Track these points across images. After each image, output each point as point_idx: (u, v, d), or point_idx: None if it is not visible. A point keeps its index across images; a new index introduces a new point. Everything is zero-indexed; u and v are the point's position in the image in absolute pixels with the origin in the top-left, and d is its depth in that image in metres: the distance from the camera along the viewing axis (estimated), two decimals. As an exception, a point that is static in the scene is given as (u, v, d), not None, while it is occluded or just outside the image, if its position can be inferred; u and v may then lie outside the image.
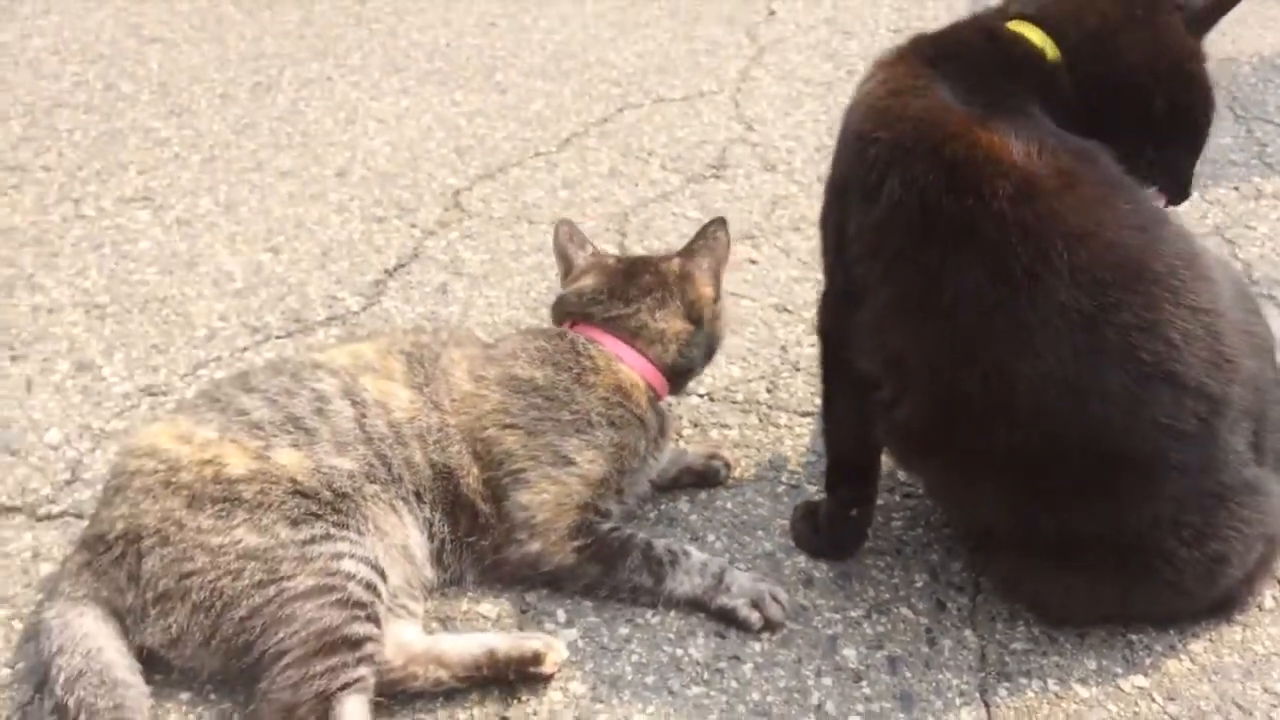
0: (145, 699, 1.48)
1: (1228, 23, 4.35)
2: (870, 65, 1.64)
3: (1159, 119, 1.58)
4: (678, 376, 1.93)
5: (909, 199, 1.46)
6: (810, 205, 2.85)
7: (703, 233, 1.98)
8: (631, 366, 1.85)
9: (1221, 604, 1.67)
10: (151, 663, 1.53)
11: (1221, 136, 3.29)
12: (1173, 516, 1.50)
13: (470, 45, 3.93)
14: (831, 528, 1.77)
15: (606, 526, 1.73)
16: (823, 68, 3.81)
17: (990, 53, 1.61)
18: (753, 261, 2.65)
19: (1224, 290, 1.54)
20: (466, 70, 3.72)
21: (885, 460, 1.78)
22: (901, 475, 1.92)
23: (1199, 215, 2.84)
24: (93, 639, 1.49)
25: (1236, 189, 2.98)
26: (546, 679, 1.57)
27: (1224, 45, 3.98)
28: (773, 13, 4.31)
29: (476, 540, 1.72)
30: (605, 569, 1.69)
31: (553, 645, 1.58)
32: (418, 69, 3.72)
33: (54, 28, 3.93)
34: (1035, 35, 1.59)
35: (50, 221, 2.72)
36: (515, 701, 1.55)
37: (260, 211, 2.80)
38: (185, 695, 1.54)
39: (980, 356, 1.45)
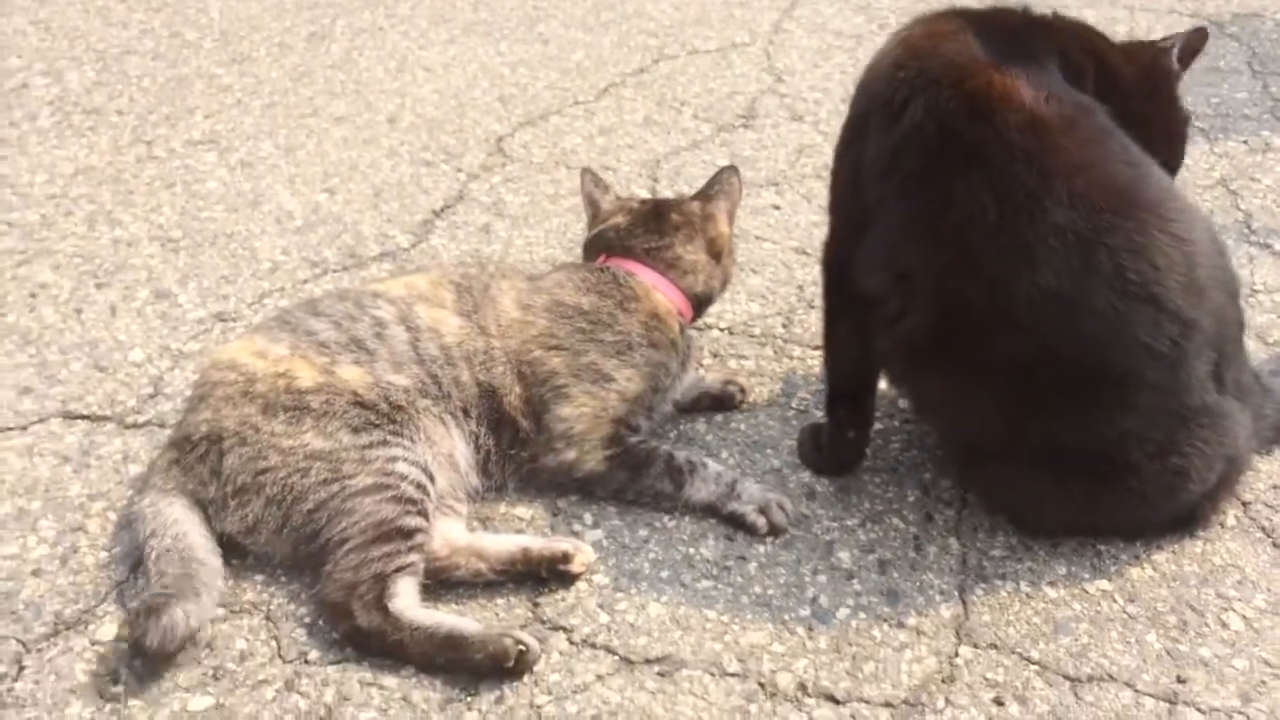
0: (219, 576, 1.70)
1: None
2: (910, 20, 1.83)
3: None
4: (700, 305, 2.15)
5: (928, 122, 1.65)
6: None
7: (717, 178, 2.19)
8: (665, 294, 2.06)
9: (1185, 519, 1.84)
10: (230, 548, 1.76)
11: (1237, 91, 3.39)
12: (1140, 431, 1.68)
13: (514, -4, 4.09)
14: (832, 447, 1.96)
15: (635, 439, 1.93)
16: (854, 20, 3.94)
17: (1023, 21, 1.83)
18: (776, 207, 2.82)
19: (1200, 227, 1.71)
20: (510, 21, 3.89)
21: (887, 390, 1.97)
22: (902, 404, 2.11)
23: (1206, 167, 2.96)
24: (180, 524, 1.72)
25: (1245, 142, 3.10)
26: (574, 578, 1.77)
27: (1249, 1, 4.06)
28: (808, -35, 4.42)
29: (517, 452, 1.93)
30: (632, 475, 1.90)
31: (581, 548, 1.78)
32: (464, 19, 3.89)
33: (120, -23, 4.14)
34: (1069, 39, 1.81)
35: (125, 162, 2.94)
36: (546, 591, 1.76)
37: (317, 155, 3.01)
38: (260, 577, 1.76)
39: (984, 270, 1.63)
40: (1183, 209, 1.68)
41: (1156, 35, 1.99)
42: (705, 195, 2.19)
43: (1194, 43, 1.91)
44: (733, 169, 2.21)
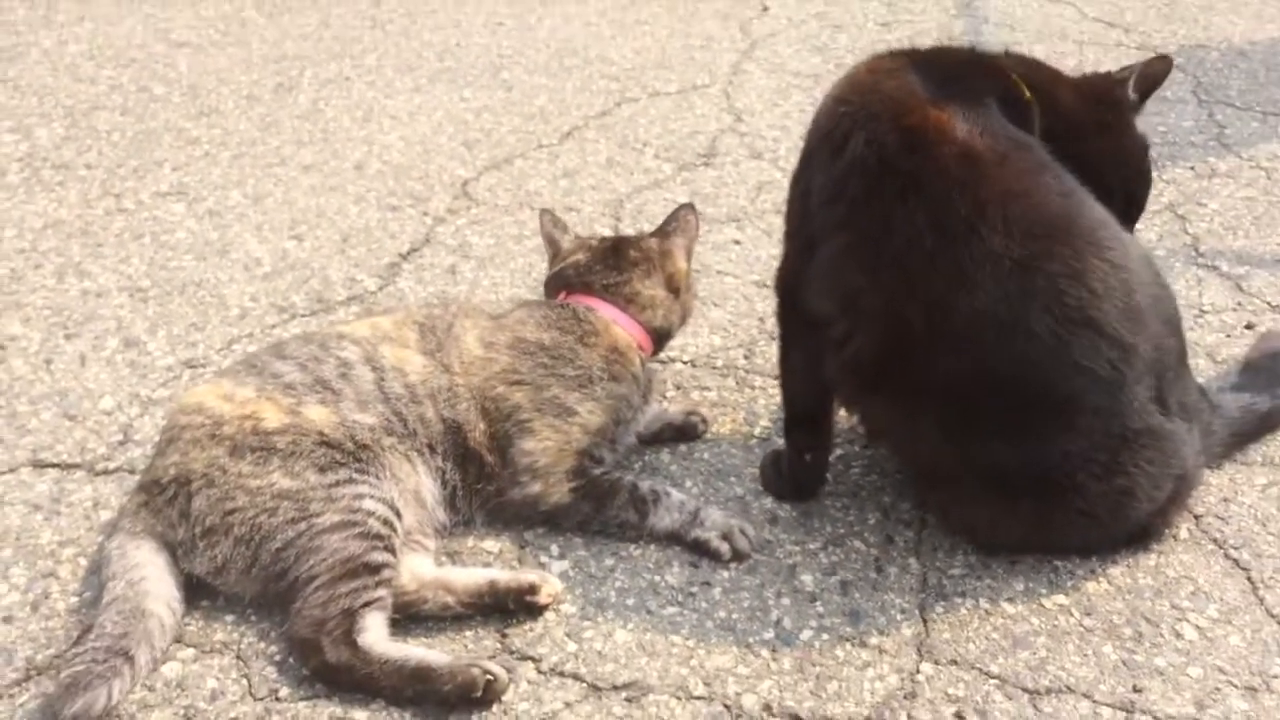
0: (165, 629, 1.69)
1: (1199, 9, 4.58)
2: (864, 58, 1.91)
3: (1112, 199, 1.82)
4: (660, 339, 2.20)
5: (869, 155, 1.71)
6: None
7: (674, 215, 2.25)
8: (625, 329, 2.10)
9: (1138, 534, 1.89)
10: (200, 589, 1.78)
11: (1183, 120, 3.49)
12: (1084, 453, 1.73)
13: (478, 45, 4.17)
14: (792, 471, 2.00)
15: (599, 471, 1.96)
16: (811, 60, 4.03)
17: (965, 60, 1.91)
18: (737, 242, 2.88)
19: (1135, 255, 1.77)
20: (475, 69, 3.96)
21: (847, 416, 2.02)
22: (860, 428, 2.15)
23: (1155, 193, 3.01)
24: (140, 569, 1.73)
25: (1192, 168, 3.19)
26: (542, 609, 1.79)
27: (1195, 32, 4.18)
28: (766, 9, 4.53)
29: (483, 486, 1.96)
30: (597, 506, 1.93)
31: (547, 579, 1.81)
32: (429, 68, 3.97)
33: (88, 34, 4.20)
34: (1017, 78, 1.86)
35: (94, 214, 2.98)
36: (514, 623, 1.78)
37: (285, 203, 3.05)
38: (230, 617, 1.78)
39: (923, 294, 1.69)
40: (1119, 238, 1.74)
41: (1105, 69, 2.05)
42: (663, 232, 2.24)
43: (1154, 70, 1.95)
44: (689, 206, 2.27)
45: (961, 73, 1.84)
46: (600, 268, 2.17)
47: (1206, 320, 2.52)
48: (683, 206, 2.27)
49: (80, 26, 4.27)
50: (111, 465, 2.10)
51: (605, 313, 2.11)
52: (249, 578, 1.75)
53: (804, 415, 1.97)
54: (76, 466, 2.10)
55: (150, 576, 1.73)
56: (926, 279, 1.68)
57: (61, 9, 4.42)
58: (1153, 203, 2.95)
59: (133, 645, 1.64)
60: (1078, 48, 4.05)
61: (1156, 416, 1.76)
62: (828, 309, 1.80)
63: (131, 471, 2.07)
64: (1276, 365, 2.22)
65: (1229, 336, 2.45)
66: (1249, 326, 2.48)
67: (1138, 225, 1.98)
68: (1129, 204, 1.91)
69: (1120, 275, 1.69)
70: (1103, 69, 2.05)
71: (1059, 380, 1.69)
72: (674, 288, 2.19)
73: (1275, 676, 1.68)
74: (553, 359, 2.00)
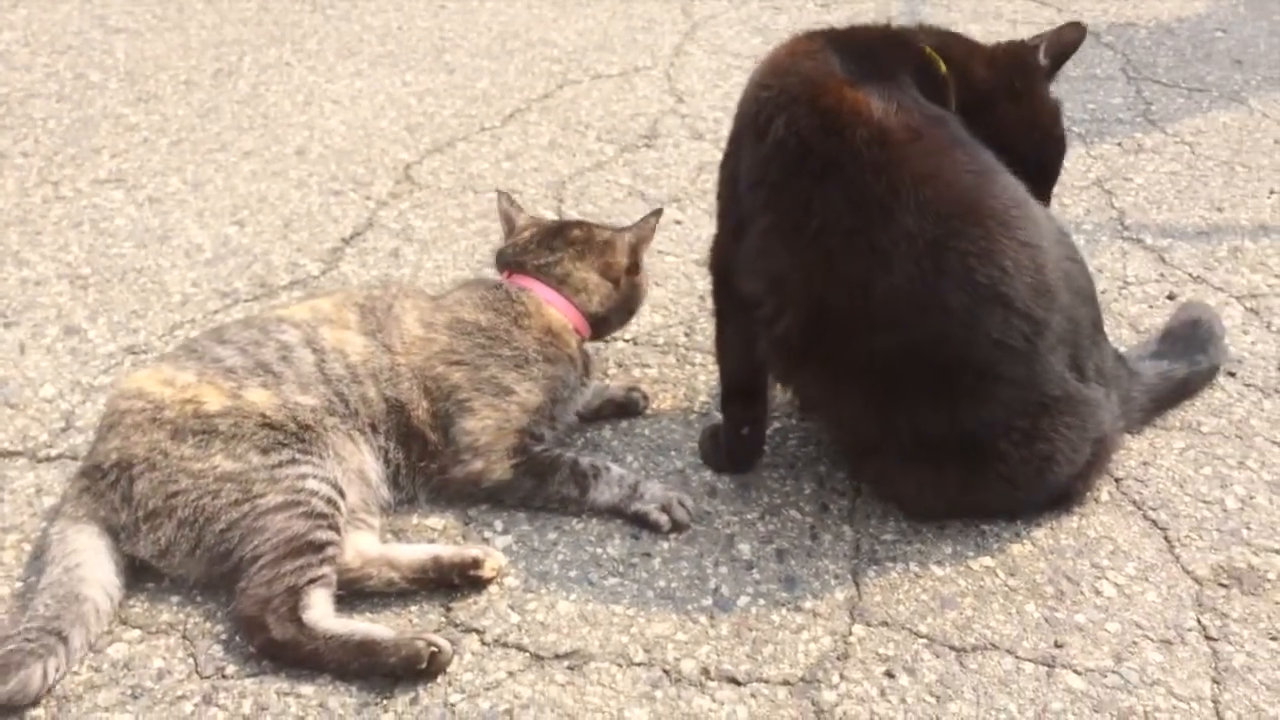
0: (100, 613, 1.71)
1: (1130, -13, 4.63)
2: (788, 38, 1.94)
3: (1026, 166, 1.86)
4: (597, 324, 2.22)
5: (789, 138, 1.76)
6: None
7: (643, 219, 2.29)
8: (560, 310, 2.13)
9: (1060, 498, 1.96)
10: (144, 572, 1.80)
11: (1111, 96, 3.58)
12: (1004, 421, 1.80)
13: (420, 28, 4.17)
14: (729, 444, 2.05)
15: (539, 448, 2.00)
16: (751, 42, 4.07)
17: (881, 37, 1.94)
18: (678, 222, 2.92)
19: (1047, 232, 1.83)
20: (417, 52, 3.96)
21: (782, 391, 2.07)
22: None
23: (1082, 169, 3.13)
24: (78, 554, 1.74)
25: (1119, 144, 3.28)
26: (486, 583, 1.83)
27: (1125, 10, 4.27)
28: (707, -10, 4.56)
29: (426, 464, 1.99)
30: (538, 483, 1.97)
31: (491, 554, 1.85)
32: (371, 52, 3.96)
33: (22, 21, 4.14)
34: (931, 51, 1.90)
35: (32, 203, 2.96)
36: (458, 597, 1.82)
37: (226, 189, 3.05)
38: (175, 598, 1.80)
39: (844, 273, 1.74)
40: (1030, 216, 1.78)
41: None
42: (622, 228, 2.27)
43: (1067, 36, 1.98)
44: (658, 212, 2.31)
45: (878, 50, 1.88)
46: (534, 247, 2.20)
47: (1130, 291, 2.60)
48: (652, 213, 2.30)
49: (14, 13, 4.21)
50: (54, 452, 2.10)
51: (539, 293, 2.14)
52: (193, 559, 1.77)
53: (739, 390, 2.02)
54: (18, 454, 2.10)
55: (87, 561, 1.74)
56: (846, 259, 1.73)
57: (-6, -5, 4.36)
58: (1080, 178, 3.05)
59: (66, 626, 1.65)
60: (1011, 26, 4.13)
61: (1073, 383, 1.83)
62: (757, 289, 1.84)
63: (74, 458, 2.07)
64: (1195, 333, 2.30)
65: (1151, 307, 2.54)
66: (1170, 297, 2.57)
67: (1066, 202, 2.04)
68: (1042, 170, 1.94)
69: (1030, 253, 1.74)
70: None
71: (975, 354, 1.75)
72: (612, 277, 2.21)
73: (1189, 629, 1.76)
74: (489, 339, 2.03)
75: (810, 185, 1.74)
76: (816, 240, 1.74)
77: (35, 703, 1.61)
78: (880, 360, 1.77)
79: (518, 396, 2.00)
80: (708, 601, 1.81)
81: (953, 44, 1.97)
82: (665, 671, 1.69)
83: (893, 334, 1.74)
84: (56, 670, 1.63)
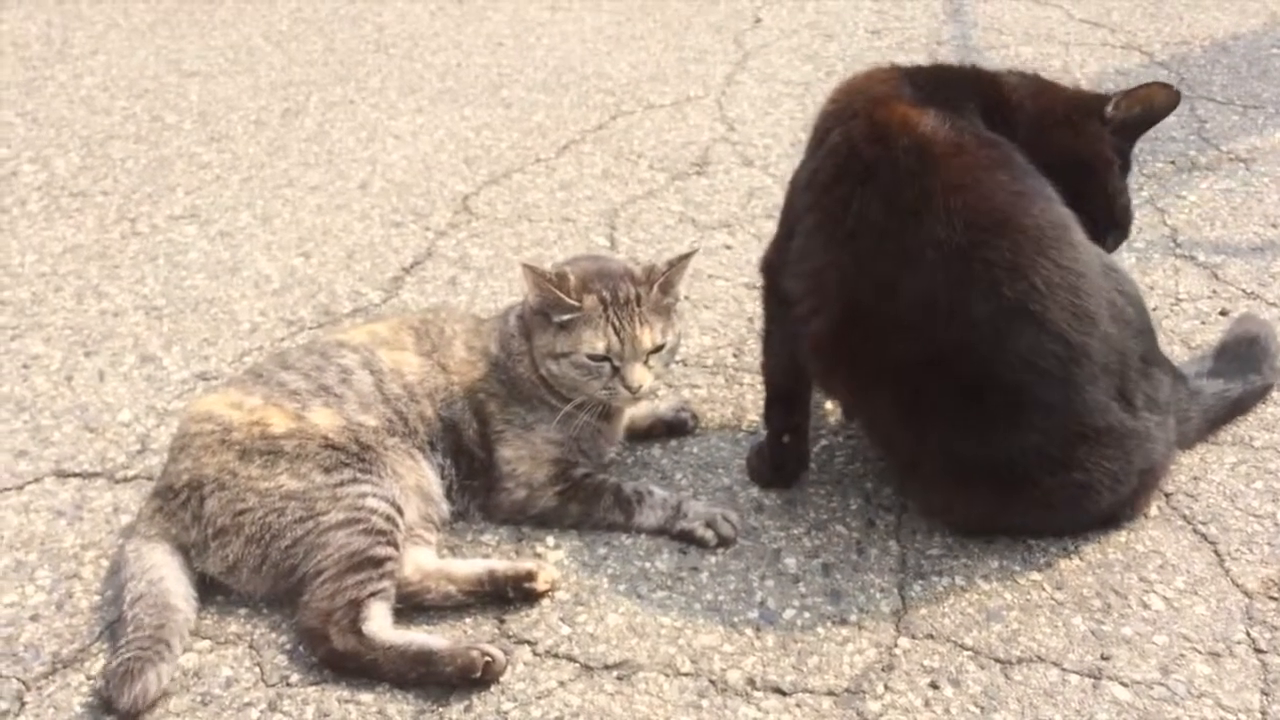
0: (188, 624, 1.81)
1: (1184, 7, 4.64)
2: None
3: (1083, 204, 1.89)
4: None
5: (842, 145, 1.87)
6: (782, 195, 3.16)
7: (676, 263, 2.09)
8: None
9: (1107, 520, 1.96)
10: (213, 587, 1.88)
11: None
12: (1038, 447, 1.80)
13: (478, 65, 4.28)
14: (771, 453, 2.09)
15: (580, 472, 2.06)
16: (802, 69, 4.13)
17: (957, 74, 2.04)
18: (728, 247, 2.98)
19: (1090, 260, 1.82)
20: (475, 88, 4.08)
21: (834, 409, 2.11)
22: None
23: (1134, 187, 3.11)
24: (158, 569, 1.84)
25: (1173, 162, 3.27)
26: (539, 595, 1.89)
27: (1179, 30, 4.25)
28: (759, 20, 4.63)
29: (473, 482, 2.06)
30: (584, 509, 2.03)
31: (544, 567, 1.91)
32: (431, 89, 4.08)
33: (102, 67, 4.33)
34: (1002, 79, 2.01)
35: (111, 239, 3.10)
36: (512, 609, 1.87)
37: (293, 222, 3.17)
38: (243, 611, 1.88)
39: (873, 273, 1.81)
40: (1070, 241, 1.79)
41: (1089, 69, 2.08)
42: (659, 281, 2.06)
43: (1146, 94, 1.98)
44: (690, 255, 2.10)
45: (949, 80, 1.98)
46: None
47: (1182, 308, 2.59)
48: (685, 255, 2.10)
49: (94, 59, 4.41)
50: (130, 473, 2.21)
51: None
52: (259, 575, 1.85)
53: (781, 394, 2.07)
54: (97, 475, 2.21)
55: (168, 576, 1.84)
56: (877, 260, 1.80)
57: (76, 43, 4.56)
58: (1134, 197, 3.04)
59: (169, 635, 1.75)
60: (1064, 48, 4.13)
61: (1118, 414, 1.82)
62: (797, 288, 1.91)
63: (149, 478, 2.17)
64: (1249, 350, 2.29)
65: (1204, 323, 2.53)
66: (1223, 313, 2.56)
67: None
68: (1084, 196, 1.92)
69: (1065, 275, 1.75)
70: (1088, 69, 2.14)
71: (1004, 371, 1.76)
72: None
73: (1238, 642, 1.76)
74: (508, 375, 2.11)
75: (852, 187, 1.82)
76: (851, 239, 1.82)
77: (151, 707, 1.69)
78: (910, 369, 1.80)
79: (538, 432, 2.07)
80: (754, 614, 1.85)
81: (1031, 82, 2.03)
82: (711, 682, 1.72)
83: (919, 339, 1.78)
84: (167, 677, 1.72)
